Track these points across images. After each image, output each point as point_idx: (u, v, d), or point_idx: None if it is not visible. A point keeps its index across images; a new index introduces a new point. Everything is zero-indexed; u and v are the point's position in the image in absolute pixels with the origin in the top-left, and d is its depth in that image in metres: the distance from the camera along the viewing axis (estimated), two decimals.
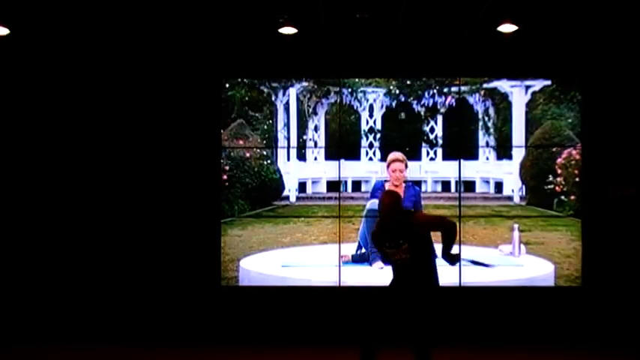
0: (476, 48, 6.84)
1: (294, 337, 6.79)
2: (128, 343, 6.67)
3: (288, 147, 7.17)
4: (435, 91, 7.09)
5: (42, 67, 7.10)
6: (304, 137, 7.18)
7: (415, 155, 7.08)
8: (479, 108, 7.10)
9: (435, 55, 6.98)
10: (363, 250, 6.92)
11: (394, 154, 6.91)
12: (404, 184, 6.87)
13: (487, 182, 7.11)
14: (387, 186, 6.86)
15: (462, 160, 7.03)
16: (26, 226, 7.10)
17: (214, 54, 7.03)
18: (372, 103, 7.17)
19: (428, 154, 7.13)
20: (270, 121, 7.19)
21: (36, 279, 7.06)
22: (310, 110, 7.19)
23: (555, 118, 7.01)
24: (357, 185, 7.15)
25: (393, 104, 7.15)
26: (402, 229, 4.39)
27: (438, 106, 7.10)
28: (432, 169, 7.11)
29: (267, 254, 7.02)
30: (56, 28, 6.36)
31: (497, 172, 7.10)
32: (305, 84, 7.17)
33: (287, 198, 7.15)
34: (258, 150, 7.15)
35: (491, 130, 7.10)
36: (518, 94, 7.07)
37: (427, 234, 4.49)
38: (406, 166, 6.91)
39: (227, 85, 7.17)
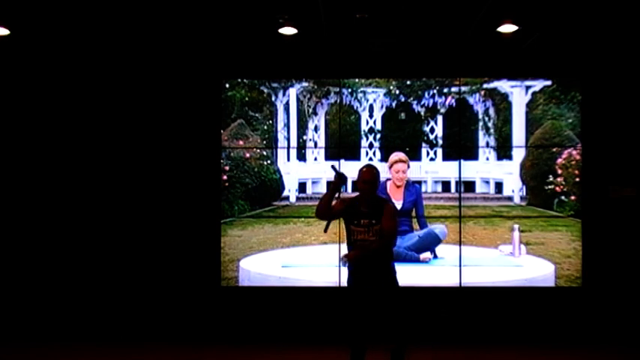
0: (476, 48, 6.84)
1: (294, 337, 6.79)
2: (128, 343, 6.67)
3: (288, 147, 7.17)
4: (435, 91, 7.09)
5: (42, 67, 7.11)
6: (304, 137, 7.18)
7: (415, 155, 7.08)
8: (479, 108, 7.09)
9: (435, 55, 6.98)
10: None
11: (397, 155, 6.96)
12: (404, 184, 6.94)
13: (487, 182, 7.11)
14: (389, 185, 6.93)
15: (462, 161, 7.03)
16: (27, 226, 7.10)
17: (214, 54, 7.03)
18: (372, 103, 7.17)
19: (428, 154, 7.13)
20: (270, 122, 7.19)
21: (37, 279, 7.06)
22: (310, 110, 7.19)
23: (555, 119, 7.01)
24: (357, 185, 7.14)
25: (393, 104, 7.15)
26: (377, 211, 4.54)
27: (438, 107, 7.10)
28: (432, 169, 7.11)
29: (267, 254, 7.02)
30: (56, 28, 6.35)
31: (497, 172, 7.10)
32: (305, 84, 7.17)
33: (287, 198, 7.14)
34: (258, 150, 7.15)
35: (492, 131, 7.10)
36: (518, 94, 7.07)
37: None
38: (408, 166, 6.97)
39: (227, 86, 7.17)
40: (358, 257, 4.52)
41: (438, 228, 6.92)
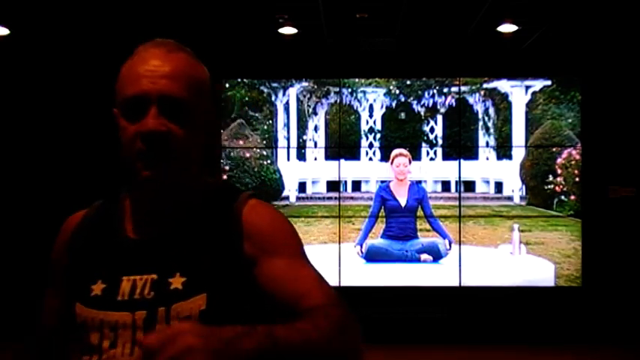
0: (476, 48, 6.84)
1: None
2: None
3: (288, 147, 7.17)
4: (435, 91, 7.09)
5: (42, 67, 7.10)
6: (304, 137, 7.18)
7: (415, 155, 7.08)
8: (479, 108, 7.10)
9: (435, 55, 6.98)
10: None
11: (398, 150, 6.99)
12: (408, 182, 6.92)
13: (487, 182, 7.11)
14: (392, 183, 6.94)
15: (462, 160, 7.03)
16: (26, 226, 7.10)
17: (214, 54, 7.02)
18: (372, 103, 7.17)
19: (428, 154, 7.13)
20: (270, 121, 7.19)
21: (37, 279, 7.05)
22: (310, 110, 7.19)
23: (555, 118, 7.01)
24: (357, 185, 7.15)
25: (393, 104, 7.15)
26: (199, 245, 1.33)
27: (438, 106, 7.11)
28: (432, 169, 7.11)
29: None
30: (56, 28, 6.35)
31: (497, 172, 7.10)
32: (305, 84, 7.18)
33: (287, 198, 7.14)
34: (258, 150, 7.15)
35: (492, 130, 7.10)
36: (518, 94, 7.07)
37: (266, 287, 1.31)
38: (410, 161, 6.95)
39: (227, 85, 7.17)
40: None
41: (442, 245, 6.89)
